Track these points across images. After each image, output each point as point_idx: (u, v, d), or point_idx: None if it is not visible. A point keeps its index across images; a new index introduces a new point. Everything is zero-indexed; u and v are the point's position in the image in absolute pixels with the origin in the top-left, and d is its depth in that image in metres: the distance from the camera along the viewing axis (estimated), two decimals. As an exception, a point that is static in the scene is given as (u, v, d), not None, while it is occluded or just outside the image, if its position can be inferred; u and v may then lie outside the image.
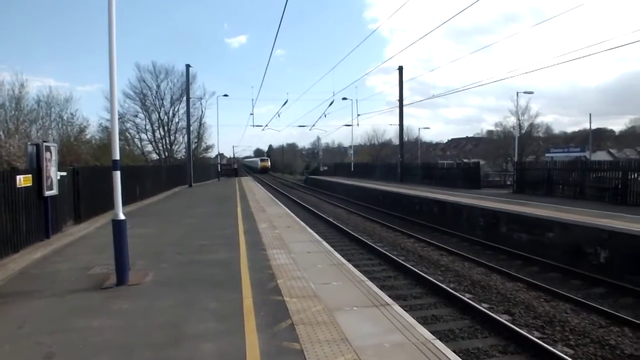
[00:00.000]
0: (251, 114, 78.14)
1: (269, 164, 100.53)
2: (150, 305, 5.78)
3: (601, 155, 55.57)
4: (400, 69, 36.37)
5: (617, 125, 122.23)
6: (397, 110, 37.15)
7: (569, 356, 6.09)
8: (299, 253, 8.89)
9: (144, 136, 50.26)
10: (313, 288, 6.38)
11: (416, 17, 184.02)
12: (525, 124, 57.76)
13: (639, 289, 9.25)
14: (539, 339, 6.69)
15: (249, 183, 39.81)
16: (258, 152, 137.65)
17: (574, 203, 17.34)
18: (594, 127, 57.53)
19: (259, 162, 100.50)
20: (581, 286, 10.02)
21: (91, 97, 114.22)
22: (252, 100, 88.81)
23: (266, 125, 53.23)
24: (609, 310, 8.03)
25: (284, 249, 9.25)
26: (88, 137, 32.92)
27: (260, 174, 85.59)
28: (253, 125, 62.42)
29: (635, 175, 17.71)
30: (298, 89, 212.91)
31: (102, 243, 9.67)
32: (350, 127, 50.38)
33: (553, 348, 6.29)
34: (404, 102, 37.01)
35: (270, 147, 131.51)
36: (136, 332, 4.87)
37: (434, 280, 9.87)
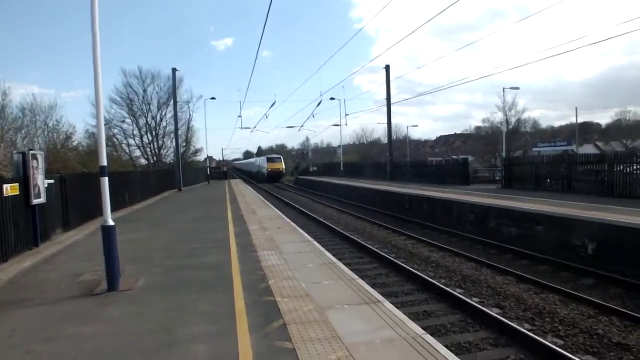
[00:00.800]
0: (239, 116, 77.87)
1: (284, 165, 63.42)
2: (142, 310, 5.77)
3: (588, 149, 56.35)
4: (387, 67, 36.55)
5: (603, 118, 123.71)
6: (385, 108, 37.35)
7: (559, 347, 6.17)
8: (289, 253, 8.92)
9: (131, 141, 50.09)
10: (304, 287, 6.42)
11: (401, 15, 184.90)
12: (513, 120, 58.34)
13: (626, 279, 9.41)
14: (529, 330, 6.78)
15: (239, 186, 39.73)
16: (247, 154, 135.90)
17: (562, 196, 17.54)
18: (580, 120, 58.44)
19: (266, 163, 61.09)
20: (570, 278, 10.15)
21: (77, 104, 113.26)
22: (240, 102, 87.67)
23: (254, 127, 52.15)
24: (597, 301, 8.16)
25: (274, 250, 9.27)
26: (75, 143, 32.77)
27: (267, 182, 56.33)
28: (241, 128, 61.47)
29: (621, 167, 17.97)
30: (286, 90, 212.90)
31: (92, 250, 9.61)
32: (339, 126, 50.51)
33: (543, 339, 6.38)
34: (392, 100, 37.22)
35: (259, 148, 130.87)
36: (129, 338, 4.86)
37: (425, 277, 9.94)
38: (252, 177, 70.24)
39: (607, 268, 10.18)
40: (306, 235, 11.41)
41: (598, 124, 78.84)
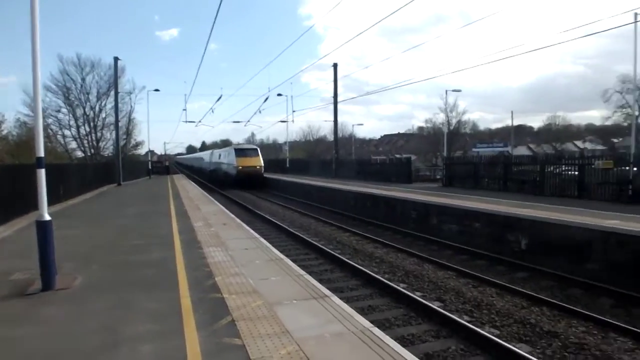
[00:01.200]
0: (184, 110, 75.46)
1: (262, 162, 39.56)
2: (82, 309, 5.51)
3: (521, 150, 59.66)
4: (335, 65, 36.86)
5: (536, 122, 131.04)
6: (332, 106, 37.65)
7: (495, 336, 6.49)
8: (236, 250, 8.82)
9: (67, 132, 47.47)
10: (252, 284, 6.37)
11: (350, 15, 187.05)
12: (454, 121, 60.70)
13: (555, 272, 10.03)
14: (468, 322, 7.08)
15: (181, 181, 38.74)
16: (190, 149, 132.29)
17: (498, 195, 18.42)
18: (515, 123, 61.75)
19: (235, 158, 38.43)
20: (505, 271, 10.69)
21: (6, 91, 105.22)
22: (185, 95, 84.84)
23: (199, 121, 50.14)
24: (530, 293, 8.66)
25: (220, 247, 9.13)
26: (4, 133, 30.75)
27: (234, 187, 37.02)
28: (186, 121, 58.54)
29: (551, 168, 19.19)
30: (233, 85, 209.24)
31: (24, 247, 9.07)
32: (286, 123, 50.21)
33: (481, 330, 6.70)
34: (339, 99, 37.59)
35: (203, 143, 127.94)
36: (67, 339, 4.63)
37: (370, 272, 10.13)
38: (208, 178, 49.37)
39: (539, 262, 10.80)
40: (252, 231, 11.32)
41: (531, 127, 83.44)
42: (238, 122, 55.92)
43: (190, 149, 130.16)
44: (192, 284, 6.42)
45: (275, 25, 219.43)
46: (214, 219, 13.26)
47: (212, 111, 63.71)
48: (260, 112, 47.66)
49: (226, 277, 6.77)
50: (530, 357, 5.73)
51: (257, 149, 41.29)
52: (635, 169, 16.60)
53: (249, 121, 51.56)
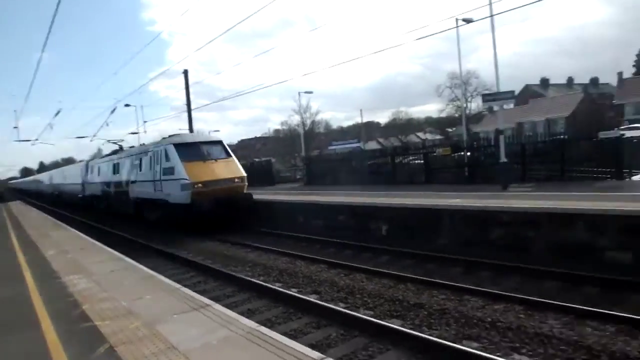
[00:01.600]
0: (15, 127, 65.79)
1: (242, 171, 18.45)
2: None
3: (372, 145, 64.40)
4: (186, 72, 35.67)
5: (382, 117, 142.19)
6: (185, 114, 36.44)
7: (370, 316, 7.04)
8: (101, 274, 8.19)
9: None
10: (125, 306, 6.01)
11: (195, 20, 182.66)
12: (308, 122, 63.12)
13: (414, 251, 11.09)
14: (345, 308, 7.54)
15: (20, 208, 34.31)
16: (27, 172, 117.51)
17: (356, 187, 19.68)
18: (364, 120, 66.29)
19: (180, 166, 16.63)
20: (371, 257, 11.49)
21: None
22: (16, 111, 74.22)
23: (36, 139, 44.74)
24: (394, 272, 9.47)
25: (82, 273, 8.38)
26: None
27: (181, 225, 17.76)
28: (18, 141, 50.59)
29: (401, 159, 21.16)
30: (74, 97, 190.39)
31: None
32: (137, 134, 47.14)
33: (357, 313, 7.19)
34: (192, 106, 36.55)
35: (41, 164, 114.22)
36: None
37: (244, 277, 10.17)
38: (81, 206, 32.94)
39: (400, 244, 11.83)
40: (115, 252, 10.61)
41: (378, 123, 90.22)
42: (83, 137, 50.43)
43: (27, 172, 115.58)
44: (56, 317, 5.82)
45: (116, 31, 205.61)
46: (69, 245, 12.09)
47: (51, 127, 56.45)
48: (107, 124, 43.52)
49: (95, 303, 6.27)
50: (402, 328, 6.34)
51: (221, 142, 20.45)
52: (469, 153, 19.07)
53: (95, 135, 47.07)
